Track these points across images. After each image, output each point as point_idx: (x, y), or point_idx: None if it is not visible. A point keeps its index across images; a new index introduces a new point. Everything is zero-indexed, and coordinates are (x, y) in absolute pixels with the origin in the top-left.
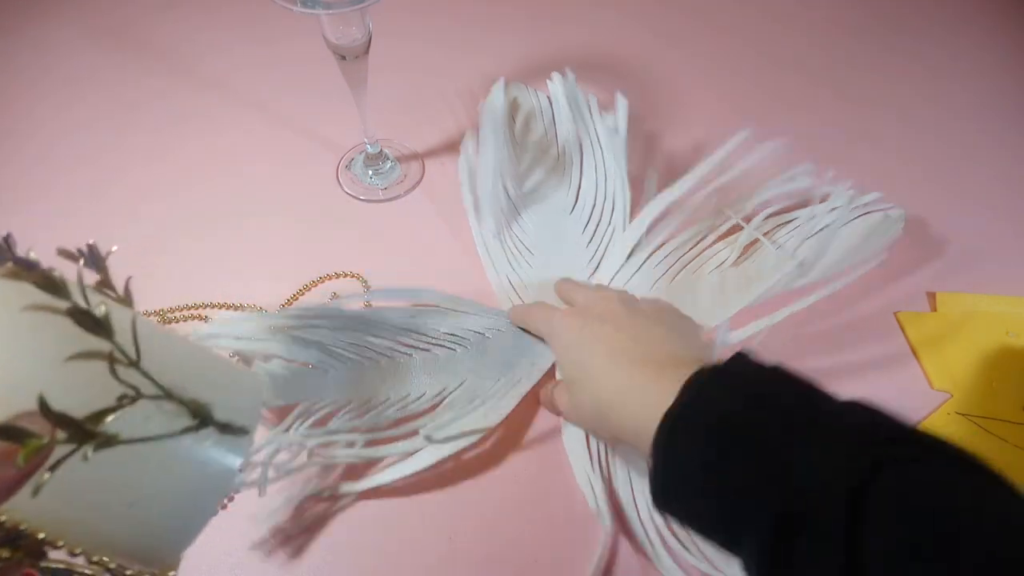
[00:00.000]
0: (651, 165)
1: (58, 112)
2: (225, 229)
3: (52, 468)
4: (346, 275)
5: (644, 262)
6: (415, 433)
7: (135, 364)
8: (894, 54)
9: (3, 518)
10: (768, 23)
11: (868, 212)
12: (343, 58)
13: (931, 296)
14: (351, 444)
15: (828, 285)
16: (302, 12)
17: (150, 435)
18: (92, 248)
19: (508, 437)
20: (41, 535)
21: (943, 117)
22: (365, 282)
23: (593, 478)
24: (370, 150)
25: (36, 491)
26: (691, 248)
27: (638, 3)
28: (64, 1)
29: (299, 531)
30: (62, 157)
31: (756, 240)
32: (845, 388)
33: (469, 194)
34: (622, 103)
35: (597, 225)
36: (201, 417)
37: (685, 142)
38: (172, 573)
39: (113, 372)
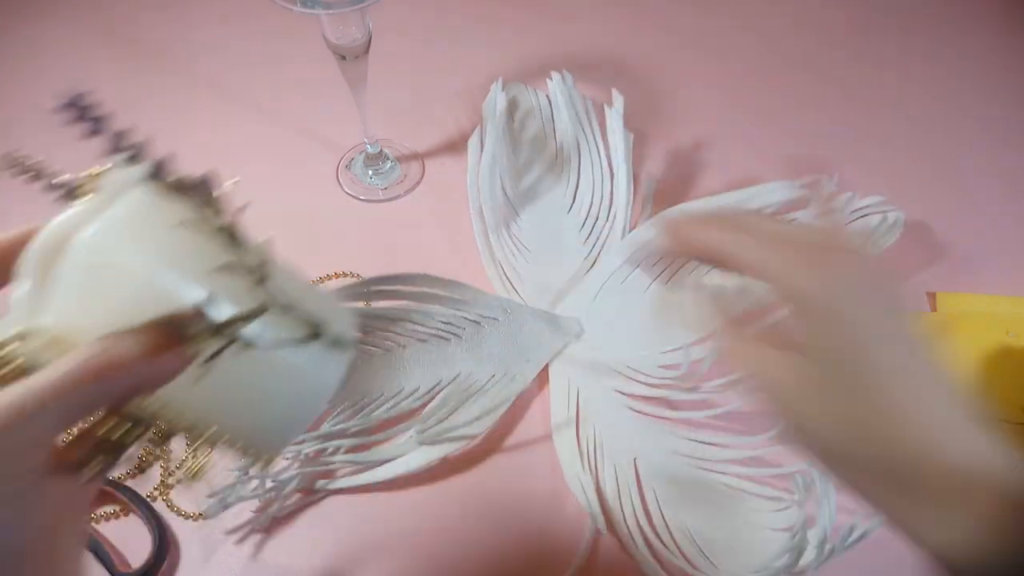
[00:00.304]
0: (650, 165)
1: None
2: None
3: (204, 363)
4: (346, 275)
5: (641, 262)
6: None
7: (267, 279)
8: (900, 53)
9: (156, 404)
10: (771, 21)
11: (866, 215)
12: (343, 58)
13: (931, 296)
14: (344, 449)
15: None
16: (302, 12)
17: (277, 342)
18: (207, 176)
19: (498, 435)
20: (180, 422)
21: (948, 117)
22: None
23: (583, 478)
24: (370, 150)
25: (197, 381)
26: None
27: (638, 2)
28: (61, 0)
29: (268, 523)
30: (60, 157)
31: None
32: None
33: (475, 193)
34: (618, 100)
35: (595, 224)
36: (317, 331)
37: (685, 142)
38: (274, 459)
39: (250, 285)
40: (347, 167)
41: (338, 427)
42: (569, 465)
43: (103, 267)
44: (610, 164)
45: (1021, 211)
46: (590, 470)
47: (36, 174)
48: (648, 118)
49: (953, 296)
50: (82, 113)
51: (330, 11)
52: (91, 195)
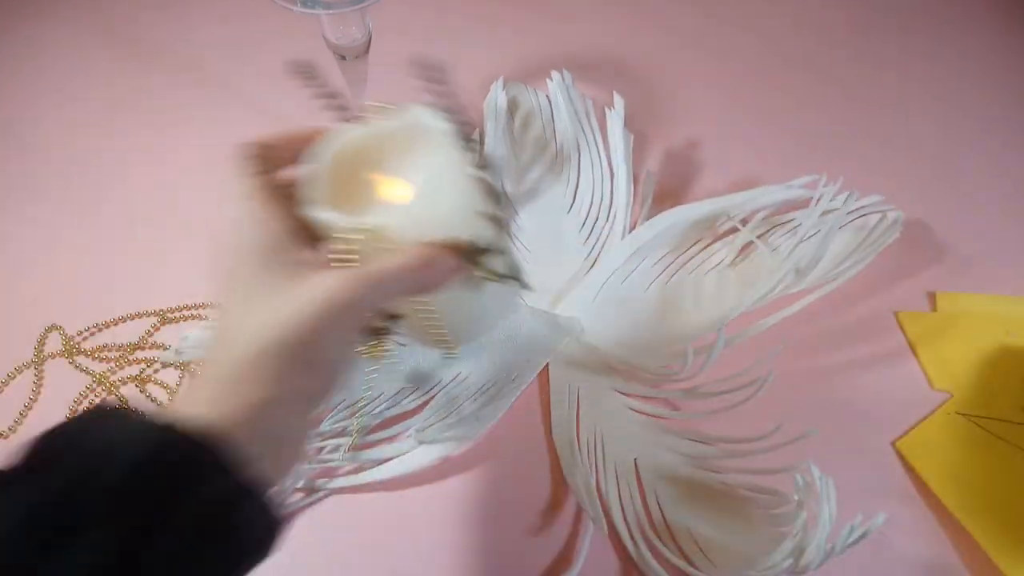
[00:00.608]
0: (650, 165)
1: (56, 112)
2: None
3: (469, 281)
4: None
5: (641, 262)
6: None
7: (505, 230)
8: (900, 53)
9: (430, 307)
10: (772, 21)
11: (866, 215)
12: (343, 58)
13: (931, 296)
14: (343, 448)
15: (823, 288)
16: (302, 12)
17: (500, 274)
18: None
19: (498, 435)
20: (425, 317)
21: (948, 117)
22: None
23: (583, 478)
24: None
25: (471, 287)
26: (688, 249)
27: (638, 2)
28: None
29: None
30: (60, 156)
31: (753, 242)
32: (845, 388)
33: None
34: (619, 103)
35: (594, 224)
36: (517, 271)
37: (685, 141)
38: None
39: (498, 230)
40: None
41: (338, 426)
42: (569, 465)
43: (425, 193)
44: (610, 164)
45: (1021, 211)
46: (590, 470)
47: (321, 90)
48: (648, 118)
49: (953, 296)
50: (432, 75)
51: (330, 11)
52: (376, 117)
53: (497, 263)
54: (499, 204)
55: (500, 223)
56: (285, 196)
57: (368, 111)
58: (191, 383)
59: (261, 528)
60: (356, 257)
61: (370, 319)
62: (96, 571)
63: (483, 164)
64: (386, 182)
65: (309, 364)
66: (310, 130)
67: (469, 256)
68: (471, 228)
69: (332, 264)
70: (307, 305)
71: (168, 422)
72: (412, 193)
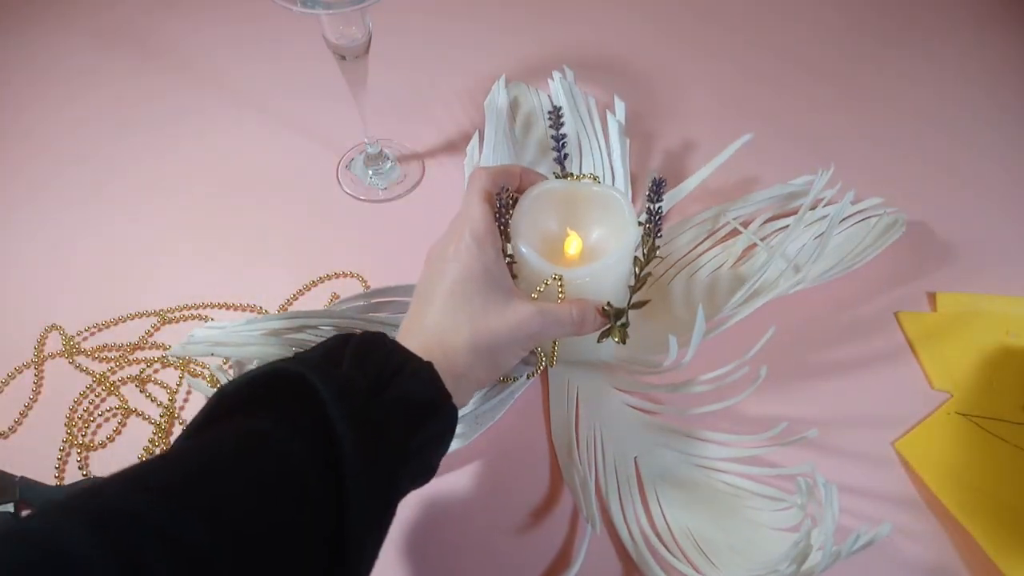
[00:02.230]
0: (650, 164)
1: (57, 111)
2: (225, 229)
3: (602, 336)
4: (346, 275)
5: None
6: None
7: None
8: (901, 54)
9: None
10: (772, 21)
11: (867, 216)
12: (343, 58)
13: (931, 296)
14: None
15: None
16: (302, 12)
17: (620, 331)
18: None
19: (497, 435)
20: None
21: (948, 117)
22: (365, 282)
23: (583, 478)
24: (370, 150)
25: (601, 339)
26: (689, 251)
27: (639, 2)
28: (65, 0)
29: None
30: (60, 157)
31: (754, 243)
32: (845, 388)
33: None
34: (620, 106)
35: None
36: (626, 325)
37: (685, 142)
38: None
39: (630, 297)
40: (347, 167)
41: None
42: (568, 464)
43: (602, 270)
44: (611, 163)
45: (1021, 211)
46: (589, 470)
47: (557, 138)
48: (649, 118)
49: (953, 296)
50: (652, 189)
51: (330, 11)
52: (584, 180)
53: (621, 322)
54: (642, 283)
55: (633, 295)
56: (500, 220)
57: (581, 176)
58: (403, 333)
59: (438, 462)
60: (542, 292)
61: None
62: (387, 447)
63: (647, 256)
64: (573, 236)
65: (490, 364)
66: (532, 173)
67: (609, 318)
68: (619, 293)
69: (518, 287)
70: (506, 326)
71: (431, 365)
72: (590, 250)
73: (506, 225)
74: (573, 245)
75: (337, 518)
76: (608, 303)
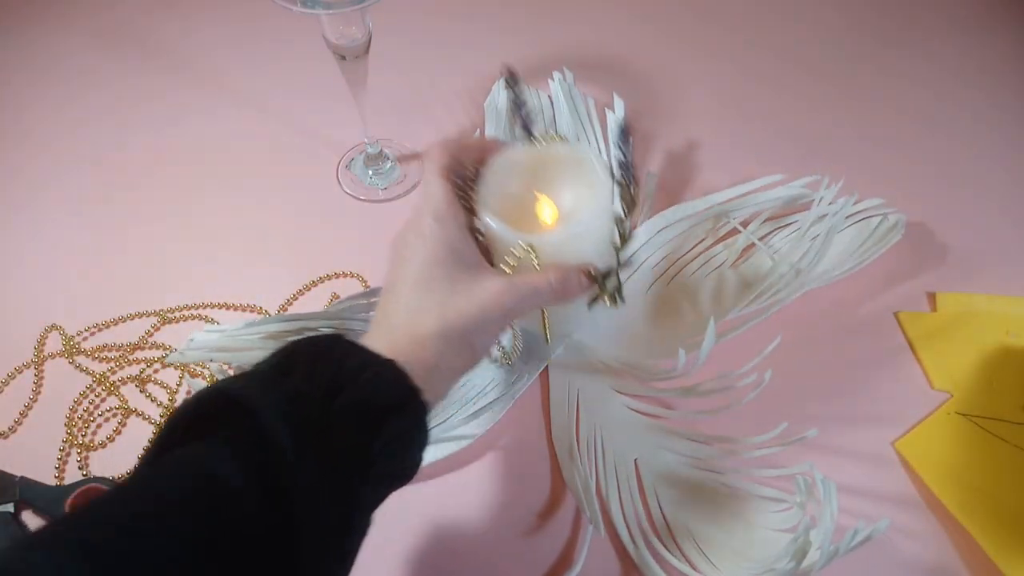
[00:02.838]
0: (650, 165)
1: (57, 111)
2: (225, 229)
3: (591, 301)
4: (346, 275)
5: (642, 264)
6: None
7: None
8: (901, 55)
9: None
10: (772, 21)
11: (867, 217)
12: (343, 58)
13: (931, 296)
14: None
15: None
16: (302, 12)
17: (612, 294)
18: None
19: (498, 436)
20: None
21: (948, 118)
22: (365, 282)
23: (583, 478)
24: (370, 150)
25: (591, 305)
26: (689, 250)
27: (638, 3)
28: (64, 1)
29: None
30: (61, 156)
31: (754, 243)
32: (845, 388)
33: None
34: (619, 105)
35: None
36: (621, 291)
37: (685, 142)
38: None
39: (615, 256)
40: (347, 167)
41: None
42: (568, 465)
43: (576, 224)
44: (611, 164)
45: (1021, 211)
46: (590, 471)
47: (518, 103)
48: (648, 118)
49: (953, 296)
50: (619, 136)
51: (330, 11)
52: (548, 142)
53: (611, 283)
54: (627, 241)
55: (620, 253)
56: (462, 195)
57: (543, 137)
58: (372, 331)
59: (415, 461)
60: (515, 265)
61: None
62: (344, 452)
63: (627, 210)
64: (544, 201)
65: (465, 348)
66: (491, 142)
67: (596, 280)
68: (602, 255)
69: (493, 263)
70: (477, 305)
71: (392, 361)
72: (565, 215)
73: (471, 200)
74: (547, 212)
75: (287, 536)
76: (594, 267)
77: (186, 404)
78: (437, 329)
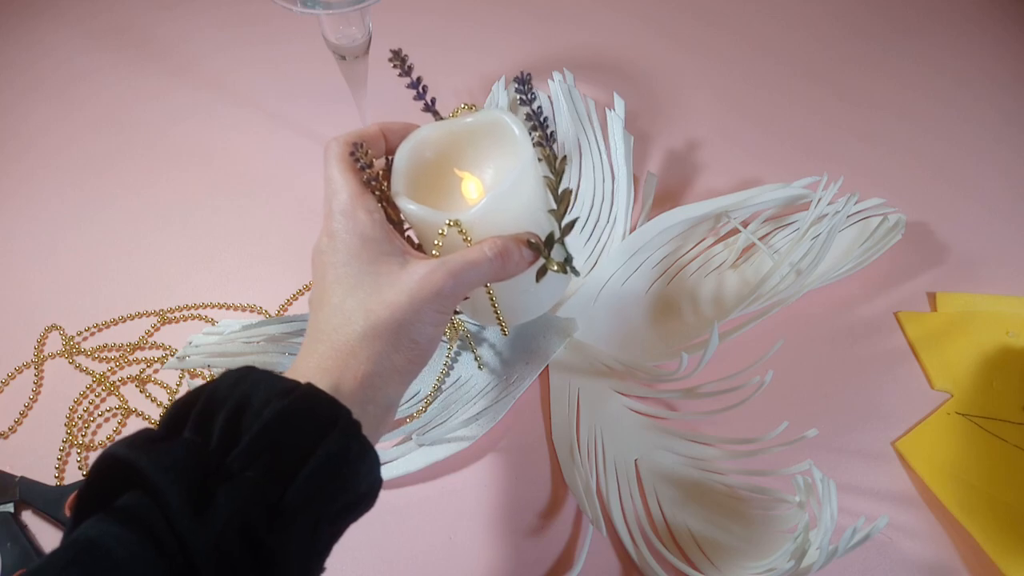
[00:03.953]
0: (650, 166)
1: (58, 113)
2: (225, 229)
3: (540, 274)
4: None
5: (642, 264)
6: (407, 437)
7: (560, 222)
8: (900, 56)
9: (491, 291)
10: (770, 22)
11: (867, 217)
12: (343, 58)
13: (931, 296)
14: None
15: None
16: (302, 12)
17: (560, 264)
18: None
19: (498, 436)
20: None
21: (948, 118)
22: None
23: (583, 479)
24: None
25: (540, 278)
26: (689, 250)
27: (638, 3)
28: (64, 2)
29: None
30: (60, 157)
31: (755, 243)
32: (845, 388)
33: None
34: (619, 104)
35: (595, 225)
36: (569, 261)
37: (685, 143)
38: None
39: (558, 222)
40: None
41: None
42: (569, 465)
43: (503, 191)
44: (611, 165)
45: (1021, 211)
46: (590, 471)
47: (410, 76)
48: (648, 119)
49: (953, 296)
50: (519, 86)
51: (330, 11)
52: (461, 115)
53: (558, 254)
54: (565, 203)
55: (562, 218)
56: (375, 187)
57: (455, 110)
58: (301, 352)
59: (369, 484)
60: (442, 246)
61: (454, 303)
62: (245, 513)
63: (556, 169)
64: (466, 177)
65: (404, 343)
66: (400, 124)
67: (538, 248)
68: (540, 224)
69: (426, 253)
70: (405, 292)
71: (304, 385)
72: (490, 189)
73: (384, 190)
74: (471, 188)
75: None
76: (534, 235)
77: (87, 478)
78: (364, 330)
